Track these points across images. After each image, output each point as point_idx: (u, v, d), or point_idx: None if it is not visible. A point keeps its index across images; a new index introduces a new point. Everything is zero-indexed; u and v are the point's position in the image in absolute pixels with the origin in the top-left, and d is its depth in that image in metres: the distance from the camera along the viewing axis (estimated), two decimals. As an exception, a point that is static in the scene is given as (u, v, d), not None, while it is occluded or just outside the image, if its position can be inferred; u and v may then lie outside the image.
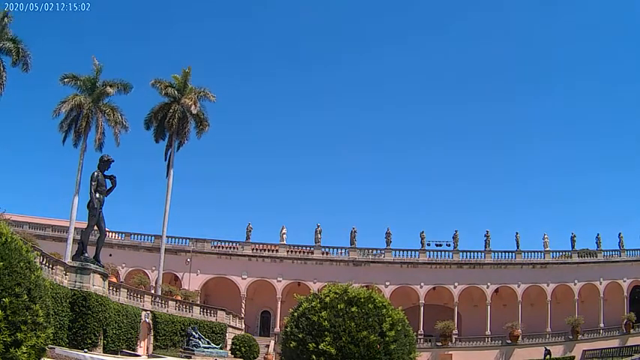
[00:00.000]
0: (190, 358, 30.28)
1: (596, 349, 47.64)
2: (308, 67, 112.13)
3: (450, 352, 49.98)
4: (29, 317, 8.03)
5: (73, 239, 38.79)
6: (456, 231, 55.63)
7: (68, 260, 28.78)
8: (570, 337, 50.74)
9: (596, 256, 55.42)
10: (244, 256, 53.98)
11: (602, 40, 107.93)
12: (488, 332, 52.01)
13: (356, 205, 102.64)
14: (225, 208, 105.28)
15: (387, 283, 52.98)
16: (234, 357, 35.65)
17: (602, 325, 52.13)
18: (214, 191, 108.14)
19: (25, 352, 7.85)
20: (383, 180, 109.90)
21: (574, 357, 48.60)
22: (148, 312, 32.95)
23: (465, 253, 55.68)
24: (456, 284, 53.82)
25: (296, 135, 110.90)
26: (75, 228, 40.37)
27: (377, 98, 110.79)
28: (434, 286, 53.96)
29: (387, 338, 11.47)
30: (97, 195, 22.77)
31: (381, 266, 54.07)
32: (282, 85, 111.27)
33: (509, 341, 50.69)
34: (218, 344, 35.69)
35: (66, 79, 40.09)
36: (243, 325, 48.55)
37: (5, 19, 34.83)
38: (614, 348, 47.19)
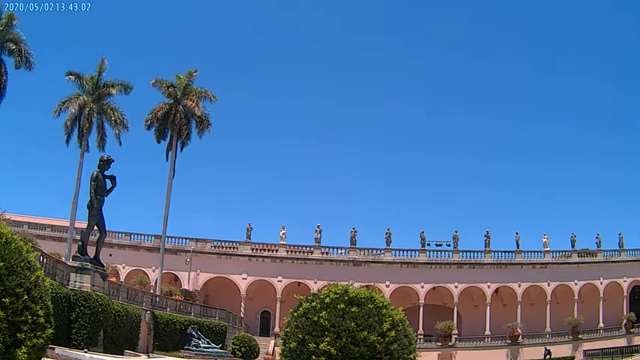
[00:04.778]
0: (190, 358, 30.33)
1: (597, 349, 47.69)
2: (309, 66, 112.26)
3: (454, 352, 50.02)
4: (29, 317, 8.03)
5: (73, 239, 38.84)
6: (456, 231, 55.76)
7: (68, 260, 28.78)
8: (570, 337, 50.75)
9: (596, 256, 55.42)
10: (244, 256, 53.98)
11: (603, 36, 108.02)
12: (488, 332, 52.03)
13: (356, 205, 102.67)
14: (225, 208, 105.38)
15: (387, 283, 52.99)
16: (234, 357, 35.68)
17: (602, 325, 52.16)
18: (214, 191, 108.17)
19: (25, 353, 7.85)
20: (383, 180, 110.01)
21: (574, 357, 48.64)
22: (148, 312, 32.95)
23: (465, 253, 55.67)
24: (456, 284, 53.83)
25: (296, 135, 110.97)
26: (75, 228, 40.39)
27: (378, 97, 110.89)
28: (434, 286, 53.96)
29: (388, 338, 11.47)
30: (97, 195, 22.77)
31: (381, 266, 54.07)
32: (282, 84, 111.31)
33: (509, 341, 50.72)
34: (218, 344, 35.70)
35: (70, 76, 40.23)
36: (243, 325, 48.56)
37: (12, 21, 34.91)
38: (615, 348, 47.21)
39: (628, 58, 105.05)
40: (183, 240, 54.31)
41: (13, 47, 34.69)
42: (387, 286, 52.43)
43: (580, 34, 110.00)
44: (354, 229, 55.48)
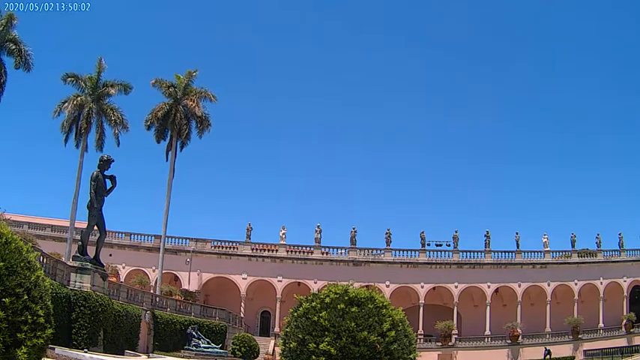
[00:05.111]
0: (190, 358, 30.33)
1: (597, 349, 47.69)
2: (309, 66, 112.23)
3: (455, 352, 50.03)
4: (29, 317, 8.03)
5: (73, 239, 38.83)
6: (456, 231, 55.76)
7: (68, 260, 28.78)
8: (570, 337, 50.74)
9: (596, 256, 55.42)
10: (244, 256, 53.97)
11: (603, 37, 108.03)
12: (488, 332, 52.03)
13: (356, 205, 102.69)
14: (225, 208, 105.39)
15: (387, 283, 52.98)
16: (234, 357, 35.68)
17: (602, 325, 52.16)
18: (214, 191, 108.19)
19: (25, 353, 7.85)
20: (383, 180, 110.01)
21: (574, 357, 48.65)
22: (148, 312, 32.96)
23: (465, 253, 55.67)
24: (456, 284, 53.83)
25: (296, 135, 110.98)
26: (75, 228, 40.38)
27: (378, 97, 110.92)
28: (434, 286, 53.95)
29: (388, 338, 11.47)
30: (97, 195, 22.77)
31: (381, 266, 54.07)
32: (282, 84, 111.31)
33: (509, 341, 50.72)
34: (218, 344, 35.70)
35: (68, 79, 40.22)
36: (243, 325, 48.56)
37: (12, 21, 34.92)
38: (615, 348, 47.20)
39: (628, 59, 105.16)
40: (183, 240, 54.31)
41: (13, 47, 34.69)
42: (387, 286, 52.42)
43: (580, 36, 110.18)
44: (354, 229, 55.54)
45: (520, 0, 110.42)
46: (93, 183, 22.71)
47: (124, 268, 50.89)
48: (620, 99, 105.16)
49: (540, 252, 55.99)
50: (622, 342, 49.25)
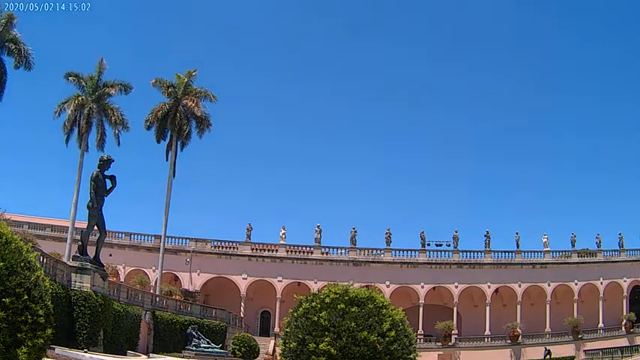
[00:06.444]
0: (191, 358, 30.34)
1: (597, 349, 47.68)
2: (309, 66, 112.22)
3: (458, 352, 50.01)
4: (29, 317, 8.04)
5: (73, 239, 38.82)
6: (456, 231, 55.72)
7: (68, 260, 28.79)
8: (570, 337, 50.74)
9: (596, 256, 55.42)
10: (244, 256, 53.96)
11: (603, 38, 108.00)
12: (487, 332, 52.02)
13: (356, 205, 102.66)
14: (225, 208, 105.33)
15: (387, 283, 52.97)
16: (234, 357, 35.68)
17: (602, 325, 52.16)
18: (214, 191, 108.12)
19: (25, 352, 7.86)
20: (383, 180, 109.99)
21: (574, 357, 48.64)
22: (148, 312, 32.97)
23: (465, 253, 55.63)
24: (456, 284, 53.81)
25: (296, 135, 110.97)
26: (75, 228, 40.38)
27: (379, 97, 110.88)
28: (434, 286, 53.93)
29: (388, 338, 11.49)
30: (97, 195, 22.80)
31: (381, 266, 54.06)
32: (283, 84, 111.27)
33: (509, 341, 50.72)
34: (218, 344, 35.71)
35: (70, 77, 40.22)
36: (243, 325, 48.55)
37: (12, 21, 34.92)
38: (615, 348, 47.18)
39: (629, 61, 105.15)
40: (183, 240, 54.28)
41: (13, 47, 34.67)
42: (387, 286, 52.40)
43: (581, 36, 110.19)
44: (354, 229, 55.49)
45: (519, 0, 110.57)
46: (93, 183, 22.75)
47: (124, 268, 50.84)
48: (621, 100, 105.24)
49: (540, 252, 55.97)
50: (622, 342, 49.20)
